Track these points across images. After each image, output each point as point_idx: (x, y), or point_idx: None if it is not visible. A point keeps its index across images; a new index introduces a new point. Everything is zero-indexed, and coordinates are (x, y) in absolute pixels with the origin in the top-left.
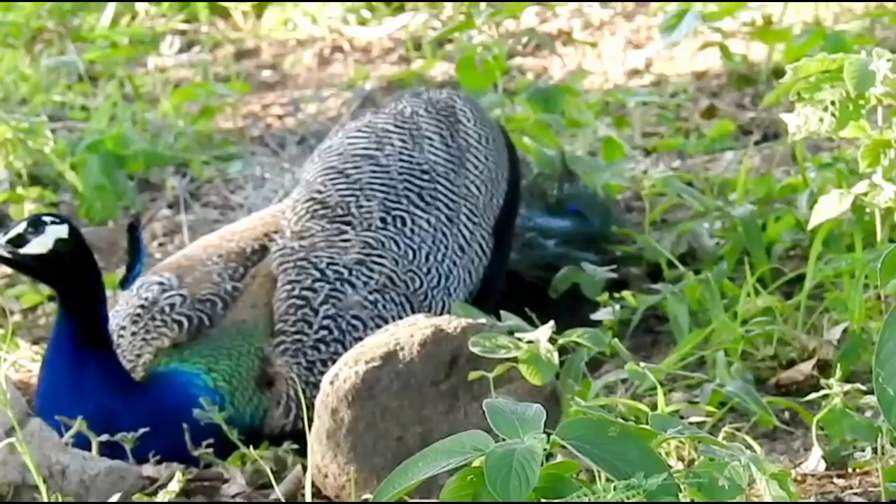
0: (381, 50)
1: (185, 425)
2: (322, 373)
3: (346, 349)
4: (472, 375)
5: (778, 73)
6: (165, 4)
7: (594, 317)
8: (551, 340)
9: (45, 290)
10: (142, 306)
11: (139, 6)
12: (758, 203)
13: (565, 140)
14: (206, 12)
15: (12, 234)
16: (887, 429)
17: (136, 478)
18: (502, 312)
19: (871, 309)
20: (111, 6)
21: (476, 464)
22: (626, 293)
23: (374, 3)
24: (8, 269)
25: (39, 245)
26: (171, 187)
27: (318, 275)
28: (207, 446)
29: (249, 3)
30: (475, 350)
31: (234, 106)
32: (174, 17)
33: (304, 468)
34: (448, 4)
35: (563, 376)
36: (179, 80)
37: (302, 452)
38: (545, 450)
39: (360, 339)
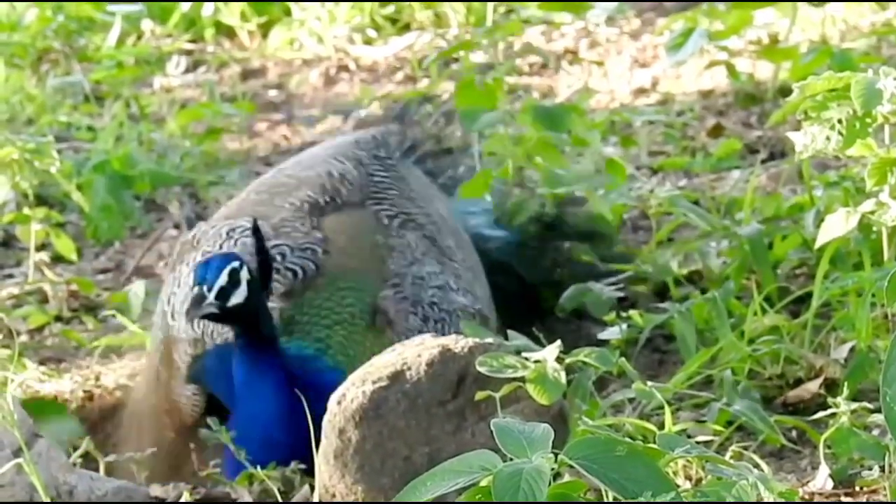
0: (387, 69)
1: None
2: (437, 319)
3: (449, 321)
4: (480, 395)
5: (784, 91)
6: (171, 24)
7: (601, 336)
8: (558, 360)
9: (52, 310)
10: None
11: (145, 26)
12: (765, 222)
13: (571, 159)
14: (212, 32)
15: (217, 289)
16: (895, 447)
17: (143, 497)
18: (509, 332)
19: (878, 327)
20: (117, 26)
21: (484, 483)
22: (632, 312)
23: (379, 23)
24: (14, 289)
25: (240, 295)
26: (177, 207)
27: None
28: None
29: (255, 23)
30: (482, 370)
31: (240, 126)
32: (180, 36)
33: (312, 488)
34: (453, 23)
35: (570, 396)
36: (185, 100)
37: (309, 472)
38: (553, 469)
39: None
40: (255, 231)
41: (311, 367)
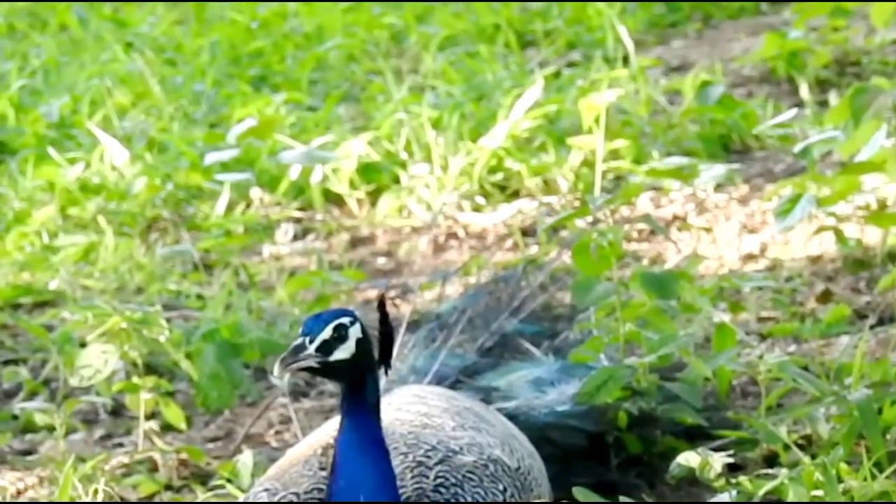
0: (496, 236)
1: None
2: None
3: (463, 490)
4: None
5: (893, 256)
6: (280, 192)
7: (712, 502)
8: None
9: (162, 479)
10: None
11: (254, 194)
12: (874, 387)
13: (680, 325)
14: (320, 200)
15: (319, 341)
16: None
17: None
18: (622, 498)
19: None
20: (226, 194)
21: None
22: (742, 478)
23: (488, 190)
24: (124, 458)
25: (345, 351)
26: (286, 376)
27: (428, 447)
28: None
29: (364, 191)
30: None
31: (349, 293)
32: (289, 204)
33: None
34: (563, 191)
35: None
36: (294, 267)
37: None
38: None
39: (477, 490)
40: (381, 305)
41: None
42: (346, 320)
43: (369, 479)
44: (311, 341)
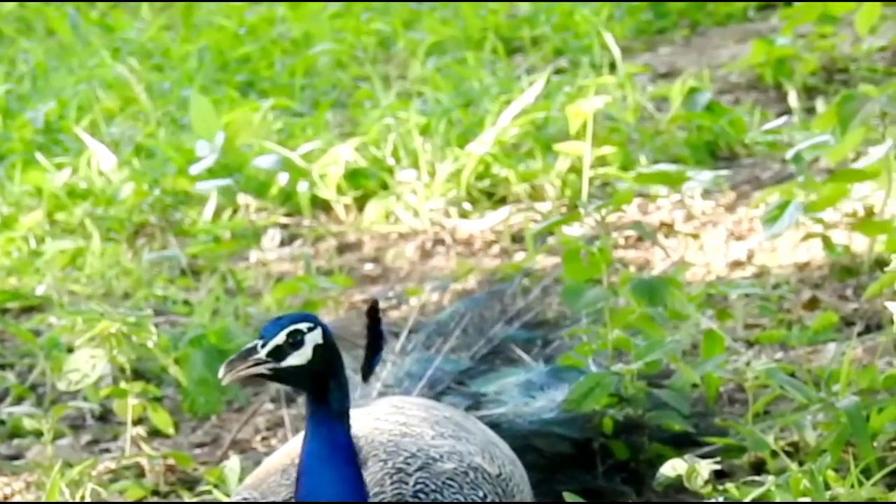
0: (483, 243)
1: None
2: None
3: (443, 497)
4: None
5: (880, 263)
6: (268, 198)
7: None
8: None
9: (149, 484)
10: None
11: (241, 200)
12: (861, 394)
13: (668, 331)
14: (308, 206)
15: (271, 346)
16: None
17: None
18: None
19: None
20: (213, 200)
21: None
22: (729, 485)
23: (475, 196)
24: (111, 464)
25: (299, 357)
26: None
27: (408, 454)
28: None
29: (351, 197)
30: None
31: (336, 300)
32: (276, 210)
33: None
34: (550, 197)
35: None
36: (281, 273)
37: None
38: None
39: (457, 497)
40: (371, 311)
41: None
42: (303, 326)
43: (330, 486)
44: (264, 346)
